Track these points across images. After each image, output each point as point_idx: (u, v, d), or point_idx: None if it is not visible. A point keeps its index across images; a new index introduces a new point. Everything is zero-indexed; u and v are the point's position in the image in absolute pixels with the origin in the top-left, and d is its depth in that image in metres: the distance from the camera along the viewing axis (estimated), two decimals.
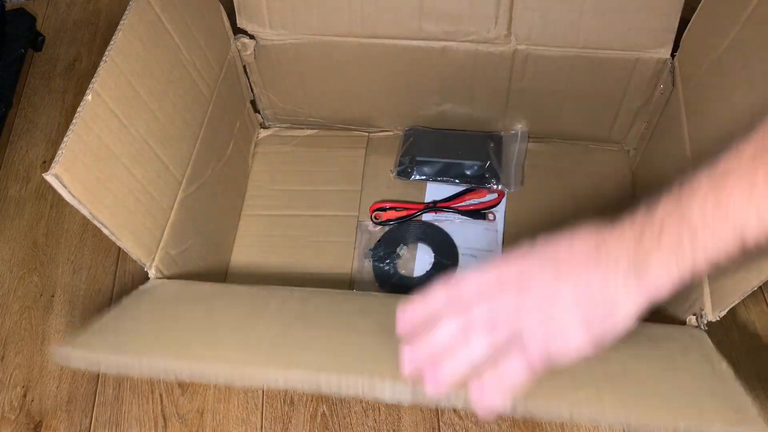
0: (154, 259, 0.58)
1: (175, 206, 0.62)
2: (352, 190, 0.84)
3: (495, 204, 0.79)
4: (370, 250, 0.77)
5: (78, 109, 0.48)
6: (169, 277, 0.60)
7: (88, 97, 0.49)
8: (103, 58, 0.51)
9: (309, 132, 0.90)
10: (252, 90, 0.84)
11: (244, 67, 0.80)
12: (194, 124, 0.67)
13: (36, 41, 1.05)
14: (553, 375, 0.40)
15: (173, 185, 0.62)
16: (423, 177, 0.82)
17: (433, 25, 0.71)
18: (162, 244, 0.60)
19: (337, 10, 0.71)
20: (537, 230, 0.42)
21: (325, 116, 0.88)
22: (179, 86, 0.63)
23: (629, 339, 0.49)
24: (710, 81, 0.61)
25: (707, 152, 0.58)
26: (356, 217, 0.81)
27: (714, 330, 0.53)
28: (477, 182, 0.81)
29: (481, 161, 0.81)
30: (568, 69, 0.73)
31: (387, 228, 0.79)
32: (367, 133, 0.89)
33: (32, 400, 0.73)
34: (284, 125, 0.91)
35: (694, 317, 0.54)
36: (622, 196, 0.81)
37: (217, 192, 0.74)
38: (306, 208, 0.83)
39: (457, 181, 0.81)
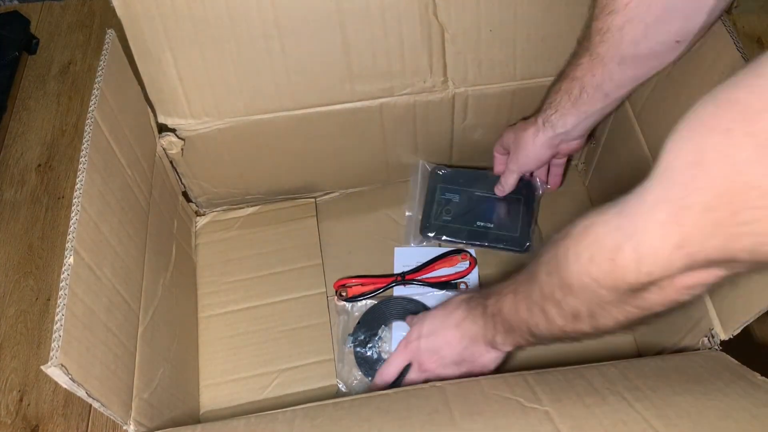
0: (131, 413, 0.51)
1: (138, 344, 0.55)
2: (312, 265, 0.78)
3: (466, 274, 0.75)
4: (350, 335, 0.72)
5: (62, 276, 0.44)
6: (147, 426, 0.54)
7: (70, 259, 0.45)
8: (74, 206, 0.47)
9: (250, 210, 0.85)
10: (181, 181, 0.78)
11: (171, 161, 0.73)
12: (141, 245, 0.60)
13: (30, 44, 1.06)
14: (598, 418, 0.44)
15: (134, 322, 0.56)
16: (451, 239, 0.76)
17: (366, 85, 0.68)
18: (135, 391, 0.53)
19: (263, 89, 0.66)
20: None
21: (265, 190, 0.82)
22: (128, 210, 0.57)
23: (659, 374, 0.47)
24: (661, 94, 0.60)
25: None
26: (324, 294, 0.76)
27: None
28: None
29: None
30: (509, 102, 0.72)
31: (366, 307, 0.74)
32: (312, 199, 0.85)
33: (28, 404, 0.73)
34: (221, 208, 0.85)
35: (707, 339, 0.53)
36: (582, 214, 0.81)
37: (172, 306, 0.67)
38: (268, 295, 0.77)
39: (485, 244, 0.76)
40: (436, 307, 0.62)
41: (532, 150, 0.67)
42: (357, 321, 0.73)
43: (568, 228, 0.41)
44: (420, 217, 0.78)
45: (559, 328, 0.45)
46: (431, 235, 0.76)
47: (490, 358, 0.58)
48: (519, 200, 0.77)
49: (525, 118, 0.69)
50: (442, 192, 0.78)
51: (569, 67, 0.60)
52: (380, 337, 0.72)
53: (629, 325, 0.42)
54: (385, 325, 0.73)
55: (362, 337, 0.71)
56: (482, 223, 0.76)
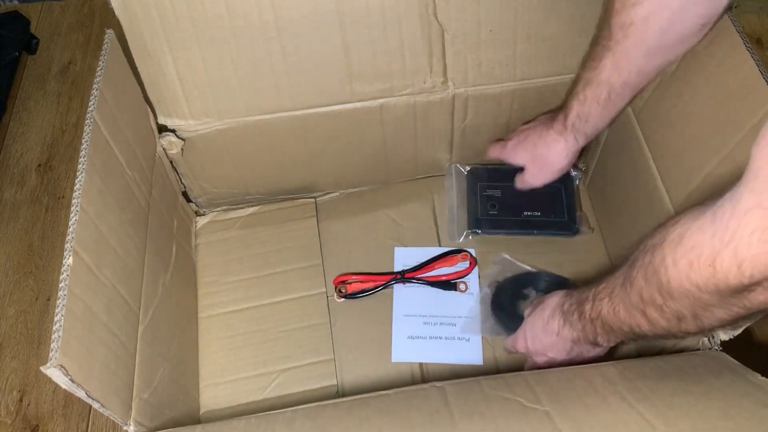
0: (131, 413, 0.51)
1: (138, 344, 0.56)
2: (312, 264, 0.79)
3: (466, 273, 0.75)
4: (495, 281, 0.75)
5: (61, 277, 0.45)
6: (147, 426, 0.54)
7: (69, 260, 0.45)
8: (73, 207, 0.47)
9: (250, 210, 0.85)
10: (181, 181, 0.78)
11: (171, 161, 0.73)
12: (141, 245, 0.60)
13: (30, 44, 1.06)
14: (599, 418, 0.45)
15: (134, 322, 0.56)
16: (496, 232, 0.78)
17: (366, 86, 0.67)
18: (135, 392, 0.53)
19: (263, 90, 0.66)
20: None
21: (264, 191, 0.83)
22: (128, 210, 0.58)
23: (659, 374, 0.47)
24: (664, 92, 0.60)
25: (672, 159, 0.59)
26: (324, 294, 0.76)
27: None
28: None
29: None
30: (509, 102, 0.72)
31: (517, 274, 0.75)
32: (312, 199, 0.85)
33: (28, 404, 0.73)
34: (221, 208, 0.85)
35: (707, 339, 0.54)
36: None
37: (172, 306, 0.67)
38: (268, 295, 0.77)
39: (535, 232, 0.78)
40: (532, 315, 0.62)
41: (558, 166, 0.69)
42: (506, 276, 0.75)
43: (660, 233, 0.42)
44: (465, 214, 0.78)
45: (663, 328, 0.46)
46: (480, 231, 0.77)
47: (596, 353, 0.59)
48: (559, 188, 0.78)
49: (528, 122, 0.68)
50: (483, 189, 0.79)
51: (590, 72, 0.59)
52: (525, 296, 0.73)
53: (735, 322, 0.42)
54: (535, 290, 0.74)
55: (507, 288, 0.73)
56: (529, 213, 0.78)
